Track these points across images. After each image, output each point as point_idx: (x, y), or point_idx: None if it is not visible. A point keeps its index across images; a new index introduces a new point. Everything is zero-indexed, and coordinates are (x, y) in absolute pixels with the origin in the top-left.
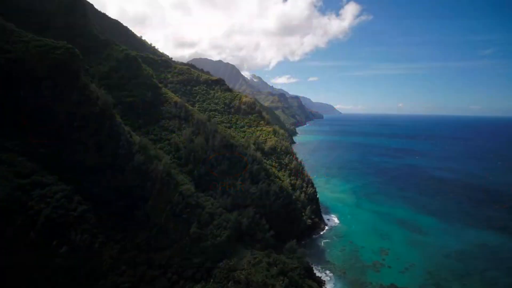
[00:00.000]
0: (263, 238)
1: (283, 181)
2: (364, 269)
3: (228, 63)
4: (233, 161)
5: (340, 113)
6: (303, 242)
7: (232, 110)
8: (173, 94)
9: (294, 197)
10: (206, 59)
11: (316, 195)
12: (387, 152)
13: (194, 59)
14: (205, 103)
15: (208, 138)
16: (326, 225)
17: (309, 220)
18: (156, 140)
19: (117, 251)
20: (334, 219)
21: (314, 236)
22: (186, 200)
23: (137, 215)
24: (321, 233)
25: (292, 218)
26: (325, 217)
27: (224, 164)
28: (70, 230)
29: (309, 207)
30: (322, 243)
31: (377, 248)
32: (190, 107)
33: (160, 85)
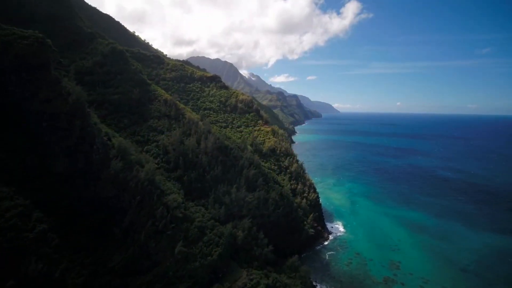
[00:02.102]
0: (261, 254)
1: (283, 186)
2: None
3: (226, 62)
4: (228, 165)
5: (338, 111)
6: (304, 255)
7: (228, 108)
8: (164, 91)
9: (295, 204)
10: (203, 57)
11: (319, 200)
12: (389, 151)
13: (192, 57)
14: (199, 101)
15: (201, 139)
16: (330, 233)
17: (311, 230)
18: (143, 141)
19: (85, 278)
20: (338, 227)
21: (317, 247)
22: (172, 212)
23: (113, 232)
24: (325, 243)
25: (293, 228)
26: (328, 225)
27: (218, 168)
28: (23, 257)
29: (311, 215)
30: (327, 255)
31: (387, 260)
32: (182, 105)
33: (149, 81)
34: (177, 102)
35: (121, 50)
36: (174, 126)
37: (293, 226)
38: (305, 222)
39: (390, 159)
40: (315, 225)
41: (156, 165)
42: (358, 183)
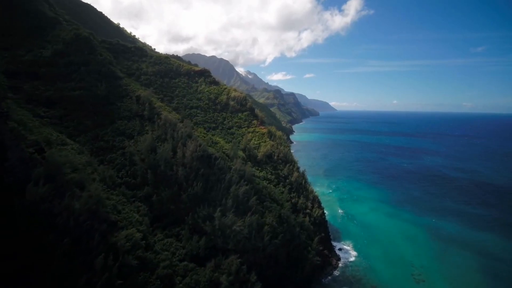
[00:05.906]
0: None
1: (282, 204)
2: None
3: (222, 59)
4: (212, 180)
5: (335, 110)
6: None
7: (219, 107)
8: (139, 87)
9: (297, 229)
10: (199, 55)
11: (325, 217)
12: (391, 151)
13: (187, 55)
14: (185, 99)
15: (178, 146)
16: (339, 259)
17: (317, 258)
18: (107, 148)
19: None
20: (348, 249)
21: (324, 279)
22: (122, 260)
23: None
24: (334, 273)
25: (294, 259)
26: (335, 245)
27: (198, 185)
28: None
29: (316, 238)
30: None
31: None
32: (159, 103)
33: (122, 75)
34: (153, 99)
35: (86, 36)
36: (147, 129)
37: (295, 256)
38: (309, 248)
39: (393, 159)
40: (321, 249)
41: (119, 180)
42: (362, 187)
